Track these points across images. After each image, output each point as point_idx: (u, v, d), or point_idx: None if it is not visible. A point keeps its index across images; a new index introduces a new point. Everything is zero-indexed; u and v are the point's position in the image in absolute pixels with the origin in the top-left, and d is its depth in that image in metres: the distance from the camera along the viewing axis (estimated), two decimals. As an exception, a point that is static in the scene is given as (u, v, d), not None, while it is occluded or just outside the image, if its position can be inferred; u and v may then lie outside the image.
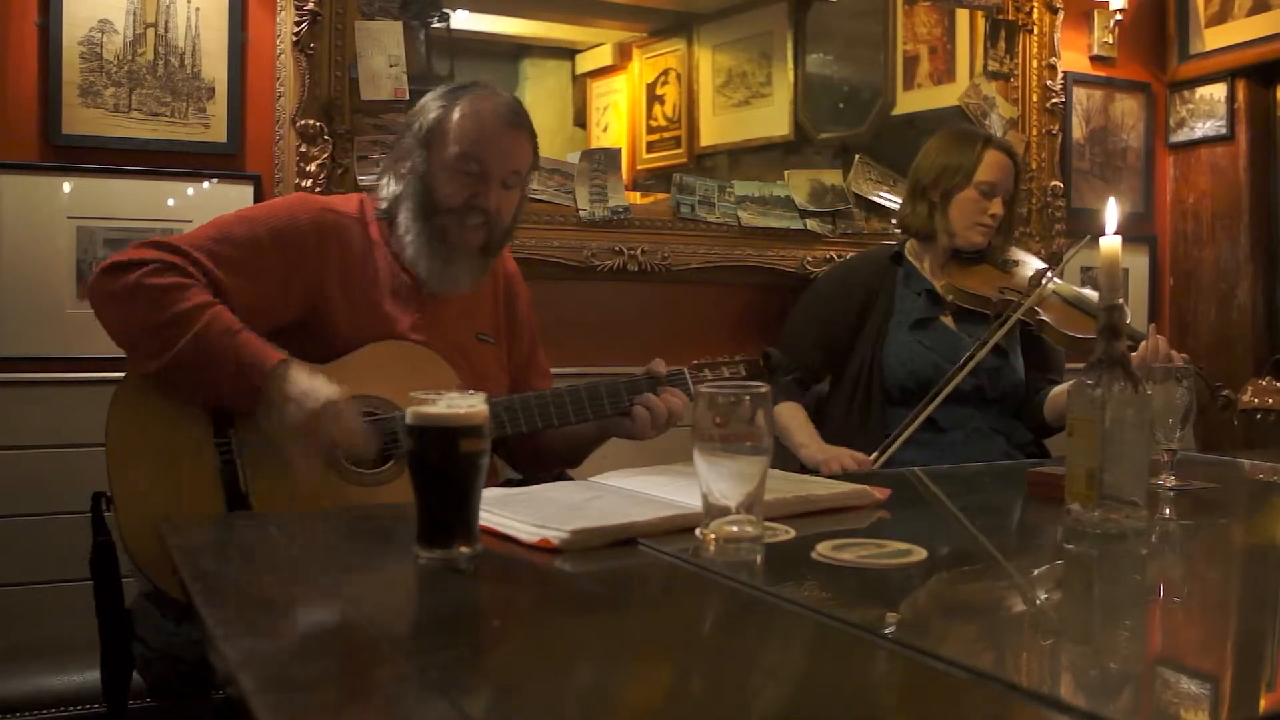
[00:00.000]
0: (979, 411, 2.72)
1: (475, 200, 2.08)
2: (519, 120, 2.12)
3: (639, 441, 2.15)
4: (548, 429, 2.11)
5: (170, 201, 2.64)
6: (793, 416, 2.76)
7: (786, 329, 2.86)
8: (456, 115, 2.08)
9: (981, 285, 2.80)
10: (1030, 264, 2.89)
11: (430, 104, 2.13)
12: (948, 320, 2.81)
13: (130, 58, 2.60)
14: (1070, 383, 2.70)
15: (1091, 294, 2.83)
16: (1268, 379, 2.57)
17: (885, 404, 2.69)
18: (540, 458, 2.30)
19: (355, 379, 2.00)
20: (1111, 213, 1.60)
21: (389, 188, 2.14)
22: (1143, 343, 2.50)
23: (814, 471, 2.56)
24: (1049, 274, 2.80)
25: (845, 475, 1.88)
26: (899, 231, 3.01)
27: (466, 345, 2.18)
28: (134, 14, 2.61)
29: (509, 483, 2.17)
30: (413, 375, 2.01)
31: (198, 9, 2.66)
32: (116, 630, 1.90)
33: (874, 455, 2.57)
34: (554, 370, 2.43)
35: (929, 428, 2.68)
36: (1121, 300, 1.56)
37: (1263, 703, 0.94)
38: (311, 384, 1.86)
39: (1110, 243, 1.57)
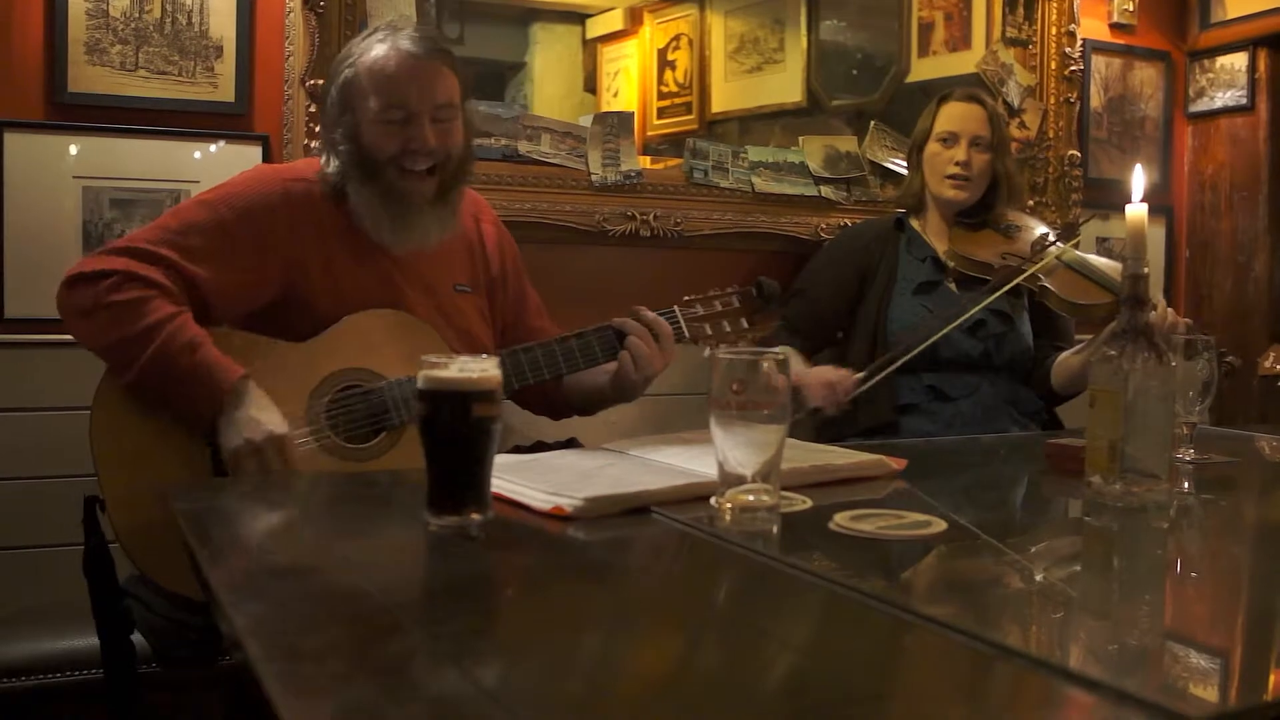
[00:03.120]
0: (986, 380, 2.71)
1: (410, 145, 2.01)
2: (429, 51, 2.03)
3: (650, 409, 2.13)
4: (539, 382, 2.08)
5: (177, 162, 2.61)
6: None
7: (793, 295, 2.85)
8: (366, 67, 2.01)
9: (983, 251, 2.79)
10: (1035, 230, 2.87)
11: (339, 65, 2.06)
12: (951, 285, 2.80)
13: (137, 15, 2.57)
14: (1078, 348, 2.69)
15: (1097, 260, 2.81)
16: None
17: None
18: (556, 405, 2.29)
19: (339, 352, 1.98)
20: (1138, 181, 1.57)
21: (331, 164, 2.07)
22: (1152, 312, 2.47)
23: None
24: (1052, 239, 2.77)
25: (861, 446, 1.86)
26: None
27: (444, 298, 2.15)
28: (141, -30, 2.58)
29: (518, 449, 2.15)
30: (396, 343, 2.00)
31: (205, -34, 2.63)
32: (115, 632, 1.89)
33: (860, 375, 2.56)
34: (564, 336, 2.41)
35: (937, 397, 2.66)
36: (1146, 269, 1.53)
37: (1272, 679, 0.93)
38: (259, 412, 1.85)
39: (1136, 211, 1.54)
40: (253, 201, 2.00)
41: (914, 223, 2.90)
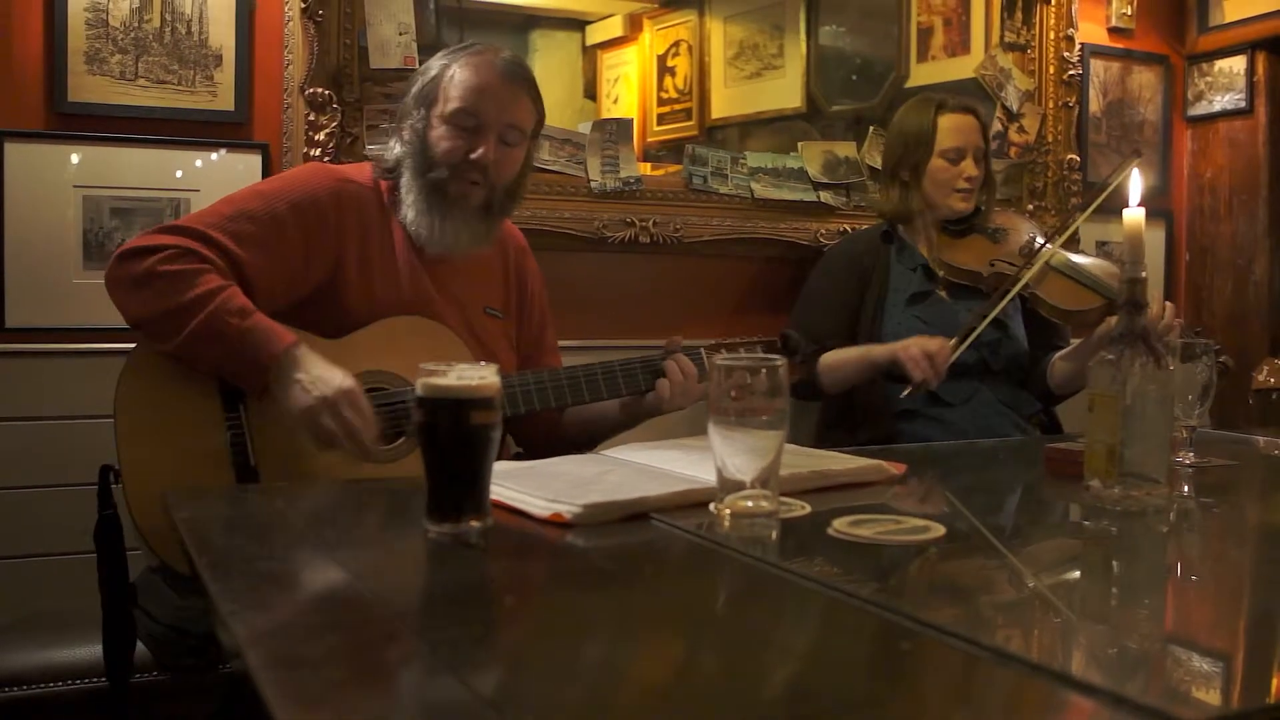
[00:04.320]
0: (984, 384, 2.70)
1: (472, 155, 2.06)
2: (517, 74, 2.11)
3: (652, 416, 2.13)
4: (561, 408, 2.10)
5: (178, 172, 2.62)
6: (838, 351, 2.71)
7: (795, 320, 2.84)
8: (454, 71, 2.08)
9: (971, 259, 2.77)
10: (1021, 230, 2.84)
11: (431, 64, 2.13)
12: (943, 294, 2.79)
13: (136, 24, 2.58)
14: (1073, 348, 2.68)
15: (1087, 261, 2.79)
16: None
17: (886, 380, 2.65)
18: (555, 440, 2.29)
19: (367, 354, 1.99)
20: (1135, 184, 1.57)
21: (393, 151, 2.13)
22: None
23: (898, 379, 2.54)
24: (1040, 242, 2.75)
25: (861, 450, 1.86)
26: None
27: (474, 318, 2.17)
28: (140, -20, 2.58)
29: (519, 456, 2.15)
30: (425, 351, 2.00)
31: (204, -25, 2.64)
32: (119, 603, 1.90)
33: (954, 341, 2.54)
34: (564, 344, 2.41)
35: (935, 402, 2.66)
36: (1144, 273, 1.53)
37: (1275, 683, 0.93)
38: (323, 370, 1.85)
39: (1134, 215, 1.54)
40: (306, 196, 2.03)
41: (902, 233, 2.89)
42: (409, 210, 2.09)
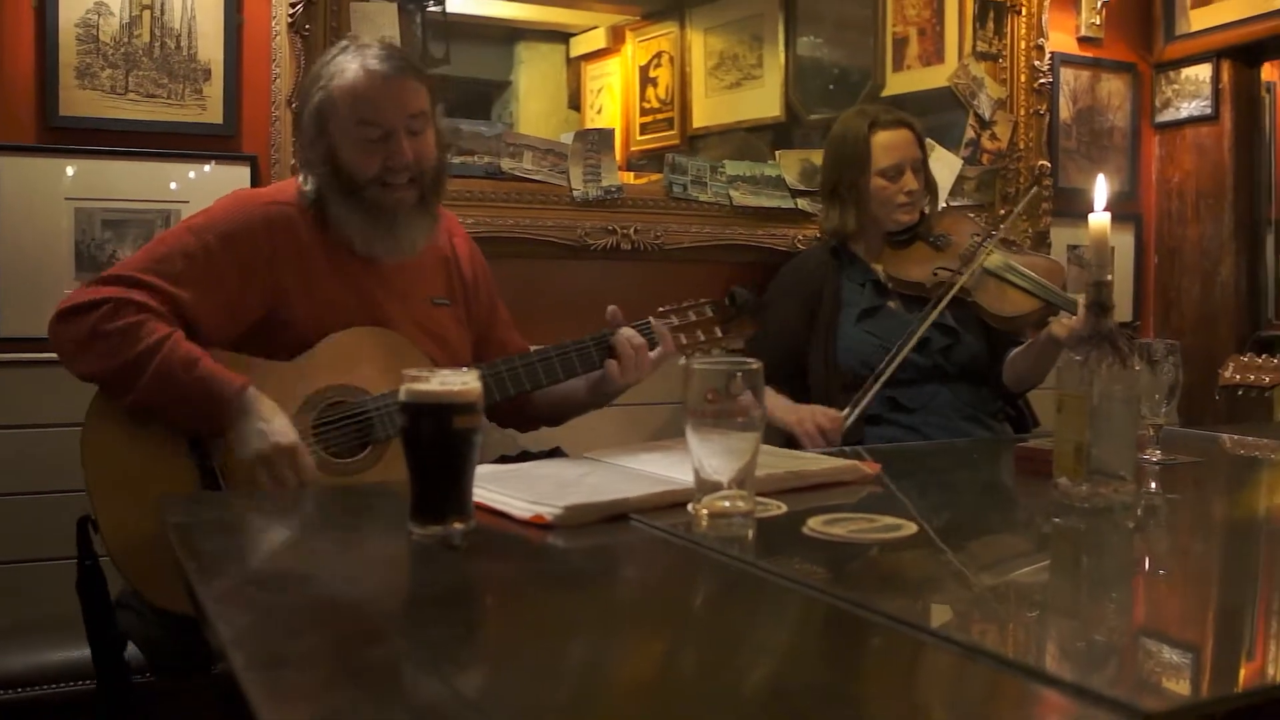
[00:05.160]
0: (944, 387, 2.71)
1: (390, 162, 2.05)
2: (396, 66, 2.06)
3: (630, 417, 2.15)
4: (520, 394, 2.12)
5: (168, 183, 2.64)
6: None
7: (751, 338, 2.86)
8: (338, 89, 2.04)
9: (915, 270, 2.78)
10: (964, 231, 2.84)
11: (310, 88, 2.09)
12: (895, 305, 2.80)
13: (126, 39, 2.60)
14: (1023, 347, 2.71)
15: (1026, 262, 2.78)
16: (1249, 355, 2.59)
17: (848, 394, 2.66)
18: (526, 419, 2.33)
19: (324, 370, 2.01)
20: (1100, 189, 1.61)
21: (308, 185, 2.11)
22: (1073, 318, 2.47)
23: (791, 439, 2.57)
24: (979, 240, 2.77)
25: (835, 452, 1.90)
26: None
27: (422, 312, 2.19)
28: (129, -4, 2.61)
29: (503, 459, 2.18)
30: (378, 359, 2.03)
31: (192, -9, 2.66)
32: (108, 650, 1.92)
33: (845, 411, 2.58)
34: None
35: (896, 409, 2.68)
36: (1110, 276, 1.57)
37: (1242, 673, 0.96)
38: (269, 424, 1.87)
39: (1099, 219, 1.58)
40: (235, 227, 2.03)
41: (851, 246, 2.89)
42: (353, 235, 2.08)
